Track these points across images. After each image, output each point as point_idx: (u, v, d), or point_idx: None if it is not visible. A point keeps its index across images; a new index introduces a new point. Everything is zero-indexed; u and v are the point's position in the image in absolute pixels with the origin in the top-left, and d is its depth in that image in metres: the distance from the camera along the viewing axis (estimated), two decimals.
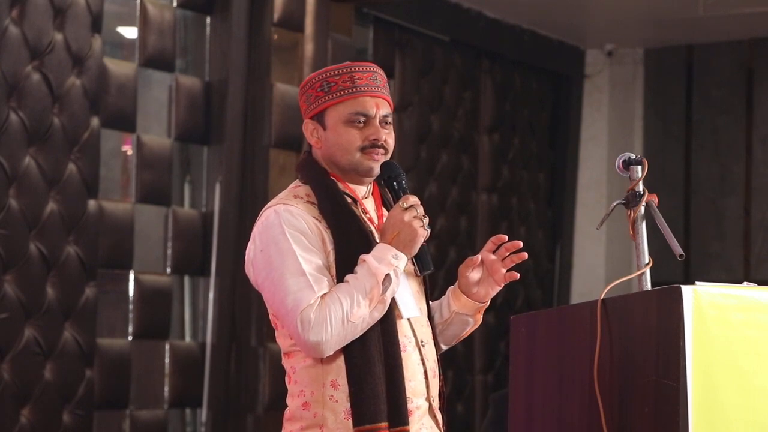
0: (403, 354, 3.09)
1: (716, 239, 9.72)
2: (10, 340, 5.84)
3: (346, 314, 2.99)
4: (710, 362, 2.90)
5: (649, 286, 3.11)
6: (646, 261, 3.13)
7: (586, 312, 3.02)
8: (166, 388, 6.79)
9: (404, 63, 8.50)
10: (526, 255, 3.20)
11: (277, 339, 3.17)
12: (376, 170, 3.17)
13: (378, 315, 3.04)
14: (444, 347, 3.30)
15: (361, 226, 3.13)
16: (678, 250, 3.07)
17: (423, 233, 3.08)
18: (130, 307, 6.64)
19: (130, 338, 6.63)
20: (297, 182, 3.23)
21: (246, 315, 6.87)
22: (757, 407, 2.97)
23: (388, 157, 3.19)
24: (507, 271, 3.22)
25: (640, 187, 3.17)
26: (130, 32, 6.81)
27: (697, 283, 2.94)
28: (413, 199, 3.09)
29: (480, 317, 3.31)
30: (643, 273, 3.11)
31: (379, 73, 3.22)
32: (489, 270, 3.23)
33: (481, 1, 8.82)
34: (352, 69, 3.19)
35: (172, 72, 6.87)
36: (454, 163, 8.98)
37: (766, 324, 3.01)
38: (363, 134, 3.16)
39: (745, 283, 3.16)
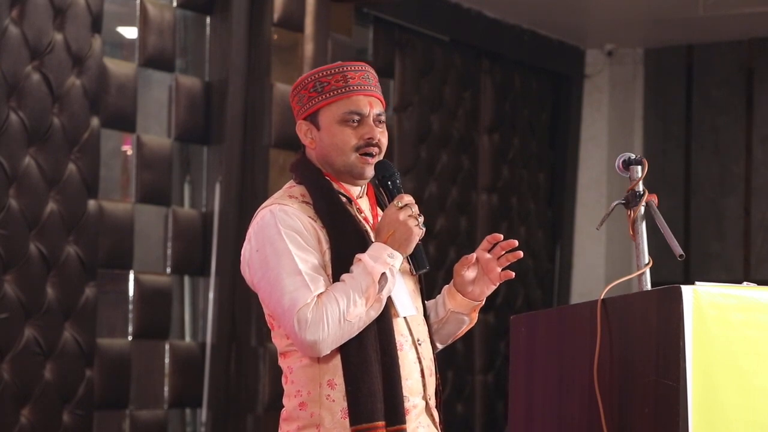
0: (399, 353, 3.09)
1: (716, 239, 9.72)
2: (10, 340, 5.84)
3: (343, 313, 2.99)
4: (710, 362, 2.90)
5: (649, 286, 3.11)
6: (646, 261, 3.13)
7: (586, 312, 3.02)
8: (166, 388, 6.79)
9: (404, 63, 8.50)
10: (521, 254, 3.20)
11: (273, 339, 3.17)
12: (369, 173, 3.18)
13: (374, 314, 3.04)
14: (440, 346, 3.30)
15: (357, 225, 3.13)
16: (678, 250, 3.07)
17: (418, 232, 3.08)
18: (130, 307, 6.64)
19: (130, 338, 6.63)
20: (291, 182, 3.24)
21: (246, 315, 6.87)
22: (757, 407, 2.97)
23: (381, 157, 3.19)
24: (502, 270, 3.23)
25: (640, 187, 3.17)
26: (130, 32, 6.81)
27: (697, 283, 2.94)
28: (408, 198, 3.10)
29: (475, 316, 3.32)
30: (643, 273, 3.11)
31: (371, 72, 3.23)
32: (484, 269, 3.23)
33: (481, 1, 8.83)
34: (345, 68, 3.19)
35: (172, 72, 6.87)
36: (454, 163, 8.98)
37: (766, 324, 3.01)
38: (357, 133, 3.16)
39: (745, 283, 3.16)
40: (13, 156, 5.84)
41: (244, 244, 3.15)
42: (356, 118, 3.16)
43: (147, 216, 6.80)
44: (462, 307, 3.28)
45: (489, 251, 3.23)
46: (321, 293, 3.01)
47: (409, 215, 3.07)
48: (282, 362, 3.15)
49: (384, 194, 3.20)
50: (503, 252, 3.22)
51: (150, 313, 6.69)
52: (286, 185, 3.24)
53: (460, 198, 9.02)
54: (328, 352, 3.02)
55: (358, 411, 3.02)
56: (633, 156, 3.20)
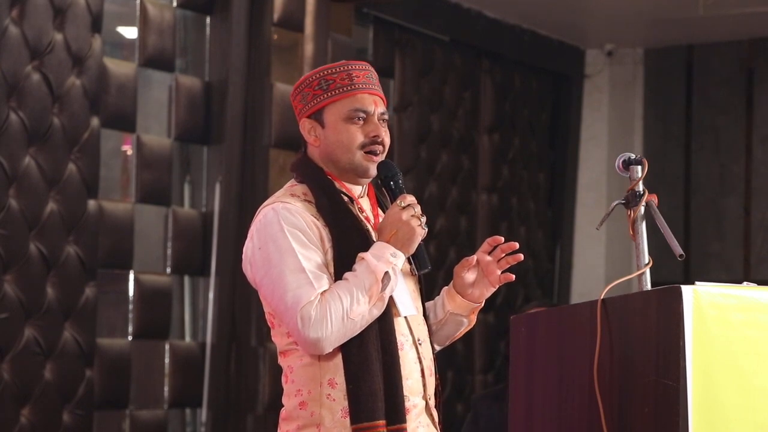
0: (400, 352, 3.09)
1: (716, 239, 9.72)
2: (10, 340, 5.84)
3: (346, 311, 3.00)
4: (710, 362, 2.90)
5: (649, 286, 3.11)
6: (646, 261, 3.13)
7: (586, 312, 3.02)
8: (166, 388, 6.79)
9: (404, 63, 8.50)
10: (521, 256, 3.21)
11: (273, 338, 3.17)
12: (373, 172, 3.18)
13: (377, 312, 3.04)
14: (437, 347, 3.30)
15: (359, 224, 3.14)
16: (678, 250, 3.07)
17: (421, 232, 3.09)
18: (130, 307, 6.64)
19: (130, 338, 6.63)
20: (292, 181, 3.24)
21: (246, 315, 6.87)
22: (757, 407, 2.97)
23: (384, 156, 3.20)
24: (502, 272, 3.23)
25: (640, 187, 3.18)
26: (130, 32, 6.81)
27: (697, 283, 2.94)
28: (411, 198, 3.11)
29: (474, 318, 3.32)
30: (643, 273, 3.11)
31: (373, 72, 3.26)
32: (484, 271, 3.24)
33: (481, 1, 8.82)
34: (349, 67, 3.21)
35: (172, 72, 6.87)
36: (454, 163, 8.98)
37: (766, 324, 3.01)
38: (363, 131, 3.17)
39: (745, 283, 3.16)
40: (13, 156, 5.84)
41: (246, 242, 3.15)
42: (362, 115, 3.17)
43: (147, 216, 6.79)
44: (461, 308, 3.29)
45: (489, 253, 3.23)
46: (324, 291, 3.01)
47: (412, 215, 3.08)
48: (282, 361, 3.15)
49: (387, 194, 3.21)
50: (503, 254, 3.22)
51: (150, 313, 6.69)
52: (288, 184, 3.24)
53: (460, 198, 9.01)
54: (330, 350, 3.03)
55: (358, 410, 3.02)
56: (633, 156, 3.21)
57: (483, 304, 3.31)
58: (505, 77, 9.46)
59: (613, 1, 8.88)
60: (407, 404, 3.09)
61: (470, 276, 3.26)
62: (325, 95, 3.19)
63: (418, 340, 3.16)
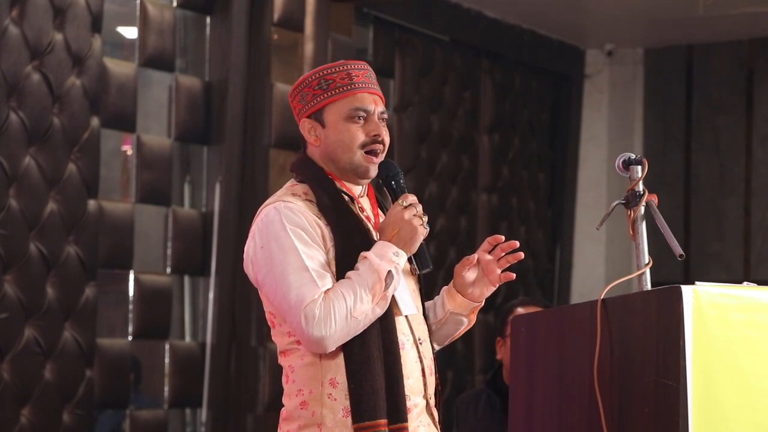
0: (401, 351, 3.09)
1: (716, 239, 9.72)
2: (10, 340, 5.84)
3: (350, 310, 3.00)
4: (710, 362, 2.90)
5: (649, 286, 3.11)
6: (646, 261, 3.13)
7: (586, 312, 3.02)
8: (166, 388, 6.79)
9: (404, 63, 8.50)
10: (522, 255, 3.21)
11: (273, 338, 3.17)
12: (373, 173, 3.19)
13: (380, 311, 3.04)
14: (437, 347, 3.30)
15: (360, 224, 3.14)
16: (678, 250, 3.07)
17: (423, 231, 3.09)
18: (130, 307, 6.64)
19: (130, 338, 6.63)
20: (293, 181, 3.24)
21: (246, 315, 6.87)
22: (757, 407, 2.97)
23: (384, 155, 3.20)
24: (502, 271, 3.23)
25: (640, 187, 3.18)
26: (130, 32, 6.81)
27: (697, 283, 2.94)
28: (412, 198, 3.11)
29: (474, 317, 3.32)
30: (643, 273, 3.11)
31: (372, 71, 3.26)
32: (484, 270, 3.24)
33: (481, 1, 8.82)
34: (349, 66, 3.21)
35: (172, 72, 6.87)
36: (454, 163, 8.98)
37: (766, 324, 3.01)
38: (364, 130, 3.17)
39: (745, 283, 3.16)
40: (13, 156, 5.84)
41: (248, 242, 3.15)
42: (362, 114, 3.18)
43: (147, 216, 6.80)
44: (461, 308, 3.28)
45: (489, 252, 3.23)
46: (328, 289, 3.02)
47: (413, 214, 3.08)
48: (282, 361, 3.15)
49: (388, 193, 3.21)
50: (504, 253, 3.22)
51: (150, 313, 6.69)
52: (288, 184, 3.24)
53: (460, 198, 9.01)
54: (333, 349, 3.03)
55: (360, 409, 3.02)
56: (633, 156, 3.21)
57: (483, 304, 3.31)
58: (505, 77, 9.45)
59: (613, 1, 8.88)
60: (408, 403, 3.09)
61: (470, 275, 3.26)
62: (325, 95, 3.19)
63: (419, 339, 3.17)
